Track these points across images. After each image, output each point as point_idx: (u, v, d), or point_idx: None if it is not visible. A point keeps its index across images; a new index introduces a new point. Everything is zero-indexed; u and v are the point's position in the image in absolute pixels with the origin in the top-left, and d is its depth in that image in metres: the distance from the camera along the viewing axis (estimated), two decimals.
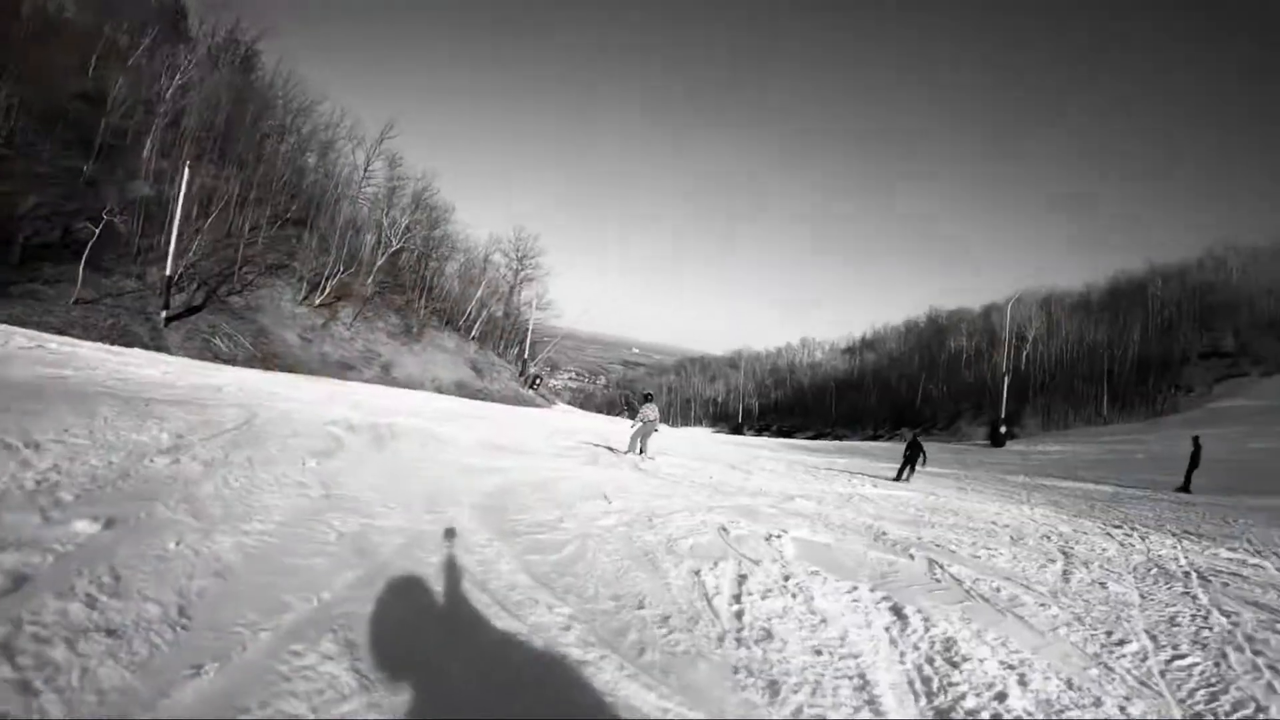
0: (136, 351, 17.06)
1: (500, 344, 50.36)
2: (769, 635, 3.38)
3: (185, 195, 22.93)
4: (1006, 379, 36.08)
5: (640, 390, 74.80)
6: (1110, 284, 59.40)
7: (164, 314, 21.26)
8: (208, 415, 7.09)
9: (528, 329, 49.37)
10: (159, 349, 19.53)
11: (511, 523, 5.08)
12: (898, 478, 13.36)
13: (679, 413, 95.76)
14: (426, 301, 38.35)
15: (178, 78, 27.68)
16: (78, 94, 24.52)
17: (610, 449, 12.54)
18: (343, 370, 27.49)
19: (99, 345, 16.22)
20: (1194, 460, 14.36)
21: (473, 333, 42.65)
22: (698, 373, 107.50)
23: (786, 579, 4.35)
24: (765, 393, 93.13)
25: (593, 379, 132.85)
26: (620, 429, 29.89)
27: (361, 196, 41.45)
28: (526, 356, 47.81)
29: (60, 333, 16.47)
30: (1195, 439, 14.78)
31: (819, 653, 3.23)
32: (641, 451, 11.55)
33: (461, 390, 34.12)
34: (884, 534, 6.36)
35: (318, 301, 29.61)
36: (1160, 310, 52.70)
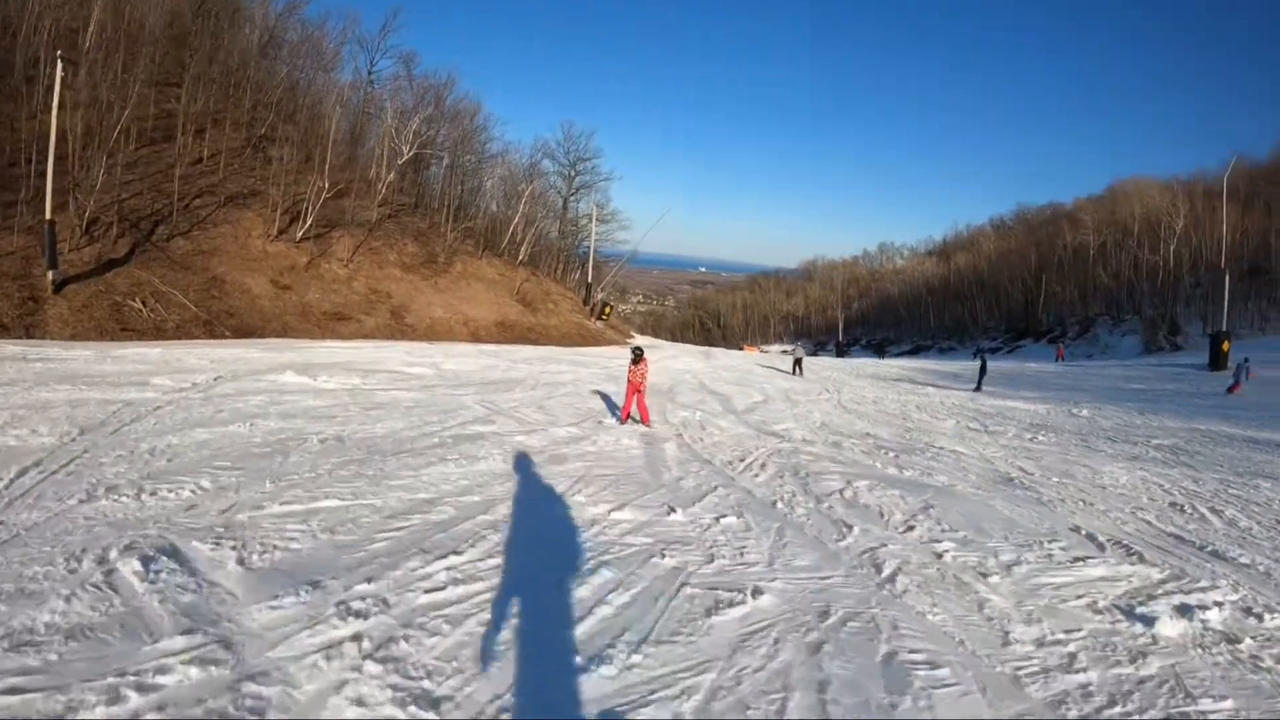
0: None
1: (558, 269, 43.02)
2: None
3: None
4: (1227, 275, 26.40)
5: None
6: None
7: (50, 275, 15.41)
8: None
9: (590, 246, 41.32)
10: (27, 331, 13.72)
11: None
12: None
13: (757, 331, 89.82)
14: (454, 222, 31.00)
15: None
16: None
17: None
18: (332, 323, 21.30)
19: None
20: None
21: (520, 256, 35.13)
22: (773, 287, 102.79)
23: None
24: (848, 304, 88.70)
25: (661, 300, 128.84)
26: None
27: (368, 105, 34.26)
28: (590, 280, 39.97)
29: None
30: None
31: None
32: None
33: (506, 333, 27.50)
34: None
35: (299, 235, 23.11)
36: None
